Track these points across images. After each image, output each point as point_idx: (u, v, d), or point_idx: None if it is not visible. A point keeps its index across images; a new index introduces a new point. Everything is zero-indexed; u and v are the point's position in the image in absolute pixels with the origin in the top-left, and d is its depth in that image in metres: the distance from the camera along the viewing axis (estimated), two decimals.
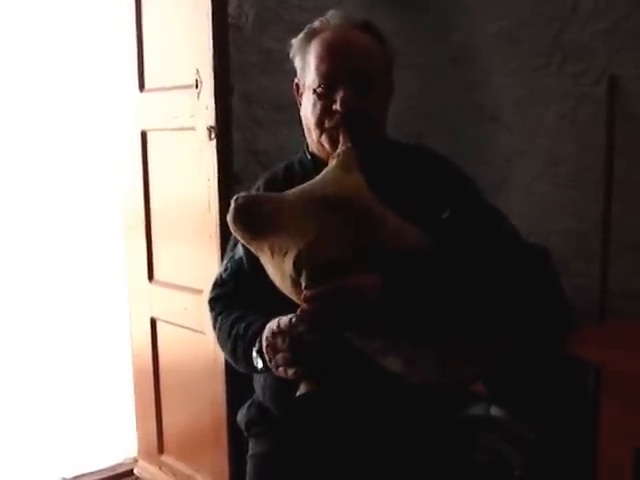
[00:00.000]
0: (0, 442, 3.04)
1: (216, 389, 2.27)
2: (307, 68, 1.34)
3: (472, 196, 1.34)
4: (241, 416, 1.51)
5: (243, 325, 1.31)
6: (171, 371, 2.50)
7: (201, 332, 2.28)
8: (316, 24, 1.35)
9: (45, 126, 4.58)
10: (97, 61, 3.46)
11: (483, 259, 1.20)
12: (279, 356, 1.15)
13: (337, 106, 1.27)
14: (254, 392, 1.50)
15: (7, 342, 4.11)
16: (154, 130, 2.41)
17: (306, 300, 1.07)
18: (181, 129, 2.27)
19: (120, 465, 2.78)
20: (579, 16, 2.30)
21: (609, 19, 2.22)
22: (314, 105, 1.31)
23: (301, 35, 1.36)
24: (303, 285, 1.07)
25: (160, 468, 2.60)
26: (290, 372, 1.13)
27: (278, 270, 1.12)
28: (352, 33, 1.31)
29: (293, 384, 1.18)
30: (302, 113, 1.38)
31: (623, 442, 1.67)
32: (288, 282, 1.10)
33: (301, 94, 1.39)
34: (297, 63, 1.38)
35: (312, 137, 1.36)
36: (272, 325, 1.19)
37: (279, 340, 1.15)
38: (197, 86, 2.16)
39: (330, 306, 1.07)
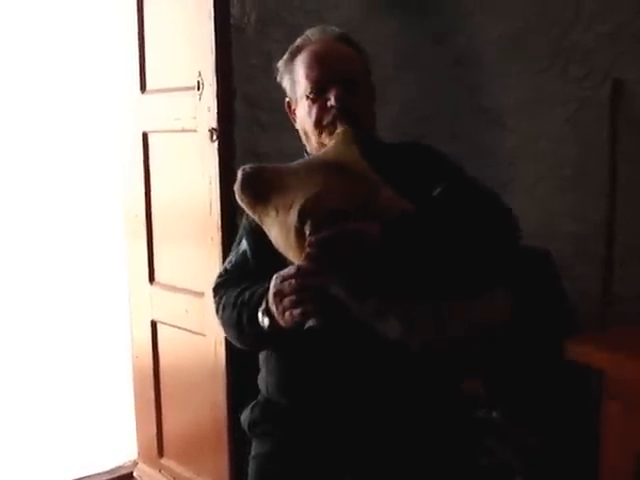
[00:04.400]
0: (0, 445, 3.04)
1: (217, 392, 2.26)
2: (296, 82, 1.42)
3: (463, 177, 1.40)
4: (244, 416, 1.52)
5: (247, 293, 1.36)
6: (171, 374, 2.49)
7: (202, 334, 2.28)
8: (298, 42, 1.45)
9: (46, 128, 4.57)
10: (98, 63, 3.46)
11: (476, 222, 1.28)
12: (286, 300, 1.19)
13: (332, 101, 1.35)
14: (256, 394, 1.50)
15: (7, 344, 4.11)
16: (156, 132, 2.40)
17: (310, 244, 1.14)
18: (183, 131, 2.26)
19: (120, 468, 2.78)
20: (582, 19, 2.29)
21: (612, 22, 2.21)
22: (309, 109, 1.39)
23: (285, 56, 1.46)
24: (307, 233, 1.15)
25: (160, 471, 2.59)
26: (296, 312, 1.17)
27: (283, 226, 1.18)
28: (333, 44, 1.43)
29: (296, 369, 1.26)
30: (298, 125, 1.46)
31: (625, 448, 1.66)
32: (292, 235, 1.17)
33: (294, 110, 1.47)
34: (286, 83, 1.47)
35: (312, 141, 1.42)
36: (278, 273, 1.23)
37: (285, 285, 1.20)
38: (199, 88, 2.16)
39: (333, 248, 1.14)
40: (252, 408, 1.51)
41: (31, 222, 4.65)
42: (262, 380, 1.47)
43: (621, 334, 1.93)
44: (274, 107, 2.27)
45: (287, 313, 1.19)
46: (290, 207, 1.17)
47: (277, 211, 1.19)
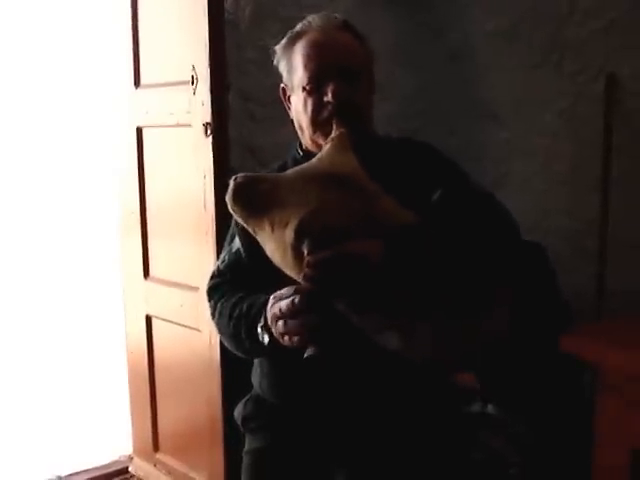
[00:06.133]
0: None
1: (211, 387, 2.26)
2: (294, 69, 1.36)
3: (461, 178, 1.36)
4: (238, 411, 1.51)
5: (245, 305, 1.32)
6: (166, 369, 2.49)
7: (197, 329, 2.28)
8: (298, 27, 1.38)
9: (41, 123, 4.56)
10: (92, 57, 3.45)
11: (477, 232, 1.22)
12: (283, 323, 1.16)
13: (329, 97, 1.30)
14: (250, 389, 1.50)
15: (2, 339, 4.10)
16: (150, 126, 2.39)
17: (309, 265, 1.07)
18: (177, 125, 2.26)
19: (115, 463, 2.78)
20: (576, 14, 2.29)
21: (606, 17, 2.22)
22: (305, 102, 1.34)
23: (284, 40, 1.39)
24: (305, 252, 1.08)
25: (155, 466, 2.59)
26: (295, 339, 1.14)
27: (279, 244, 1.12)
28: (334, 32, 1.36)
29: (291, 372, 1.20)
30: (293, 114, 1.40)
31: (620, 443, 1.67)
32: (289, 253, 1.11)
33: (289, 97, 1.41)
34: (282, 68, 1.40)
35: (305, 135, 1.37)
36: (276, 294, 1.19)
37: (283, 307, 1.15)
38: (193, 82, 2.15)
39: (333, 270, 1.07)
40: (245, 403, 1.50)
41: (26, 218, 4.64)
42: (256, 379, 1.46)
43: (615, 327, 1.94)
44: (268, 101, 2.27)
45: (286, 337, 1.16)
46: (286, 224, 1.11)
47: (272, 227, 1.13)
